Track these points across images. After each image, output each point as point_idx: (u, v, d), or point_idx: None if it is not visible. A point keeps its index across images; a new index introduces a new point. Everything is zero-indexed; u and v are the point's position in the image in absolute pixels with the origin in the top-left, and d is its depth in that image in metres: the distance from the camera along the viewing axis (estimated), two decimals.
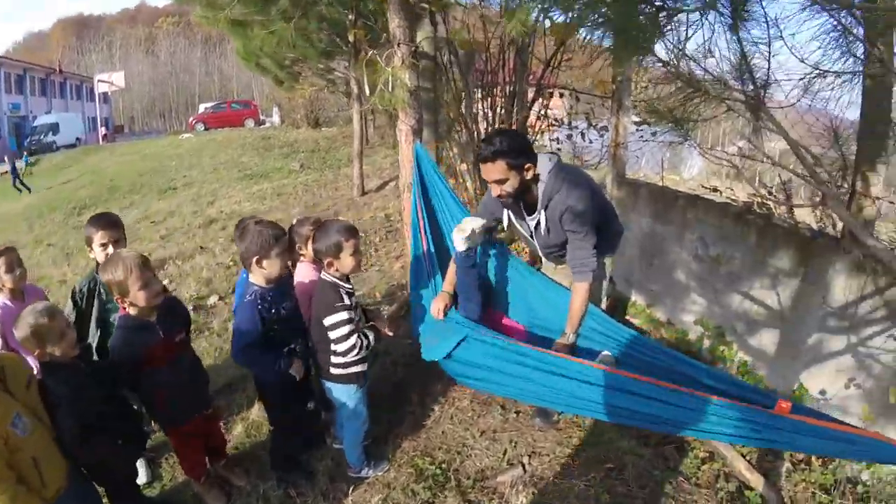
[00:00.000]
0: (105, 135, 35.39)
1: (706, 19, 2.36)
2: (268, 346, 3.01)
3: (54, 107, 45.74)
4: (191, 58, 79.83)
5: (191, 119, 36.49)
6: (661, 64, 2.55)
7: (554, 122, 7.33)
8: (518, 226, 3.40)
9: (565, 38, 5.76)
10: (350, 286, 3.16)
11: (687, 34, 2.45)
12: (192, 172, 16.47)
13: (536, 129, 6.73)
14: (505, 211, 3.37)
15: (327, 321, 3.04)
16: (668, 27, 2.46)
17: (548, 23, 5.11)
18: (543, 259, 3.60)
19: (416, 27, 5.47)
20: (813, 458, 3.48)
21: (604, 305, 3.63)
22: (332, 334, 3.04)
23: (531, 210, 3.22)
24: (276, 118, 30.73)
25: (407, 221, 5.30)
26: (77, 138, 37.39)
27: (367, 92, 5.05)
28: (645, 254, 5.39)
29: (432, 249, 3.84)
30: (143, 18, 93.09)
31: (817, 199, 3.77)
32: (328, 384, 3.26)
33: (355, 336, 3.06)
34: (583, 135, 7.32)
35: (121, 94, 59.59)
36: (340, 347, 3.06)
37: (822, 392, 3.68)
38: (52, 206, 15.46)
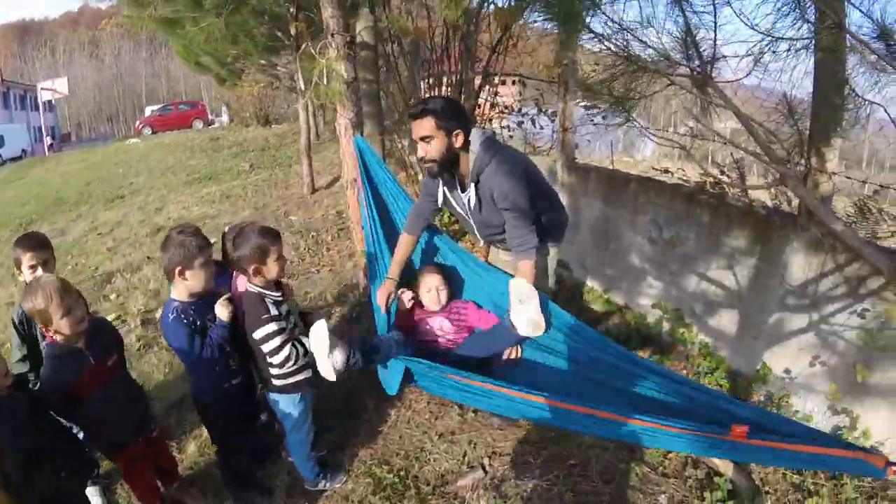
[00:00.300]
0: (51, 144, 34.25)
1: None
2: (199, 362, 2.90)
3: None
4: (136, 60, 77.80)
5: (137, 123, 35.62)
6: (596, 40, 2.41)
7: (504, 110, 7.22)
8: (454, 202, 3.26)
9: (509, 23, 5.63)
10: (278, 294, 2.99)
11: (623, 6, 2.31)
12: (140, 179, 15.97)
13: (485, 116, 6.60)
14: (440, 187, 3.24)
15: (256, 335, 2.89)
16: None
17: (492, 7, 5.03)
18: (485, 244, 3.58)
19: (355, 17, 5.29)
20: None
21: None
22: (264, 347, 2.90)
23: (464, 185, 3.12)
24: (224, 118, 30.18)
25: (353, 218, 5.14)
26: (23, 150, 36.15)
27: (302, 86, 4.85)
28: (599, 239, 5.29)
29: (383, 246, 3.68)
30: (86, 21, 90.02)
31: (772, 178, 3.70)
32: (272, 396, 3.13)
33: (289, 346, 2.92)
34: (533, 121, 7.23)
35: (66, 101, 58.03)
36: (275, 360, 2.92)
37: (787, 371, 3.61)
38: None
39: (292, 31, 8.23)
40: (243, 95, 20.95)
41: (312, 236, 8.09)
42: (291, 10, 7.99)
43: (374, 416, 3.90)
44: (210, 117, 34.84)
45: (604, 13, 2.35)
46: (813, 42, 2.29)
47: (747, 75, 2.33)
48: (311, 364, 3.07)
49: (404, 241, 3.47)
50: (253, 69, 12.86)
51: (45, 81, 38.38)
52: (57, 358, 2.68)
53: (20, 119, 45.76)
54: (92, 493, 3.28)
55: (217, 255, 3.59)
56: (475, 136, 2.97)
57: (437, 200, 3.30)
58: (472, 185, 3.03)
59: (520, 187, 2.90)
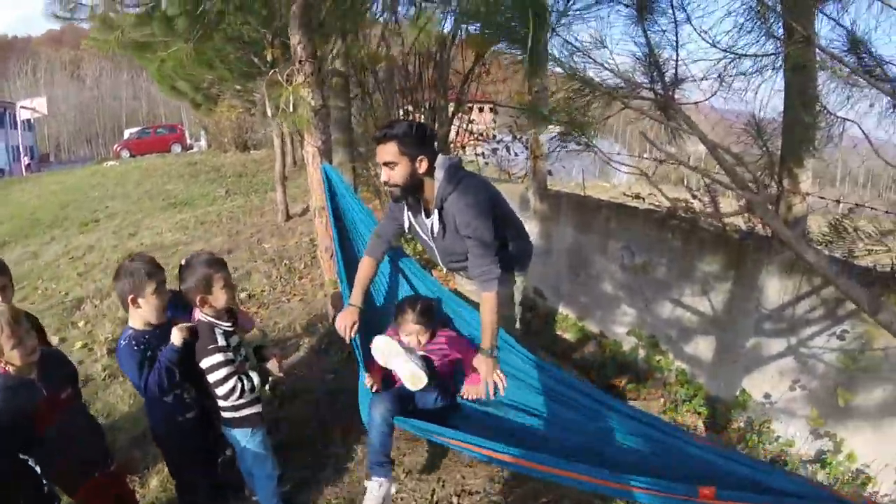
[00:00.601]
0: (28, 165, 33.84)
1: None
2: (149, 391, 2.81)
3: None
4: (117, 82, 77.26)
5: (115, 146, 35.28)
6: (552, 63, 2.34)
7: (479, 137, 7.19)
8: (418, 228, 3.18)
9: (481, 51, 5.61)
10: (229, 325, 2.93)
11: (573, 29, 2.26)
12: (116, 203, 15.73)
13: (458, 143, 6.56)
14: (405, 213, 3.17)
15: (203, 364, 2.82)
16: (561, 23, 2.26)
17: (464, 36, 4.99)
18: (446, 270, 3.46)
19: (326, 44, 5.24)
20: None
21: (518, 329, 3.49)
22: (210, 378, 2.82)
23: (429, 211, 3.06)
24: (203, 142, 30.00)
25: (322, 247, 5.06)
26: (1, 169, 35.84)
27: (269, 113, 4.78)
28: (572, 266, 5.24)
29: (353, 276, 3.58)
30: (69, 41, 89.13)
31: (741, 205, 3.65)
32: (225, 428, 3.06)
33: (234, 379, 2.83)
34: (508, 148, 7.20)
35: (46, 121, 57.52)
36: (219, 391, 2.84)
37: (767, 396, 3.57)
38: None
39: (268, 57, 8.17)
40: (222, 120, 20.80)
41: (285, 264, 7.96)
42: (268, 36, 7.93)
43: (341, 452, 3.79)
44: (189, 142, 34.58)
45: (558, 34, 2.28)
46: (780, 58, 2.22)
47: (712, 96, 2.26)
48: (260, 399, 3.06)
49: (365, 265, 3.35)
50: (228, 94, 12.77)
51: (24, 100, 38.02)
52: (8, 389, 2.52)
53: None
54: None
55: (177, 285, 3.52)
56: (440, 163, 2.91)
57: (401, 224, 3.23)
58: (436, 211, 2.97)
59: (483, 216, 2.84)
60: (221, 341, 2.85)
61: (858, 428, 3.12)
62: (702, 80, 2.19)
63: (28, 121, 39.86)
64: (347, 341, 3.25)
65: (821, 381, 3.27)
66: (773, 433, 3.53)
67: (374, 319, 3.48)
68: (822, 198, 3.40)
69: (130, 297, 2.74)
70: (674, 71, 2.18)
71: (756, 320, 3.56)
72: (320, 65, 4.44)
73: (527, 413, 2.99)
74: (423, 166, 2.85)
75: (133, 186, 18.00)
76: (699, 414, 3.80)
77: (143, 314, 2.78)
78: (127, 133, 38.51)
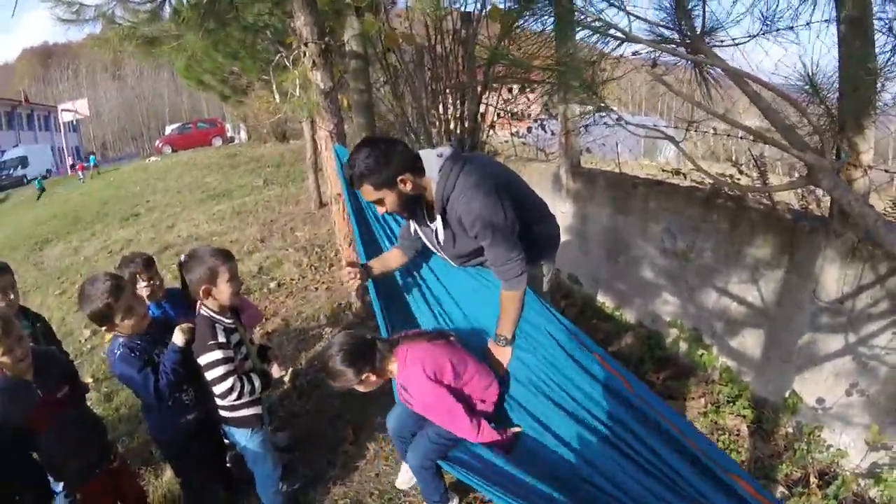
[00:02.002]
0: (72, 164, 34.56)
1: None
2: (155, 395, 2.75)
3: (22, 139, 45.02)
4: (158, 80, 78.93)
5: (157, 142, 35.78)
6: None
7: (513, 116, 6.85)
8: (423, 236, 2.89)
9: (506, 24, 5.27)
10: (230, 321, 2.84)
11: None
12: (156, 197, 16.07)
13: (488, 123, 6.22)
14: (411, 224, 2.90)
15: (201, 360, 2.74)
16: None
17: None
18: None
19: (341, 24, 4.98)
20: (811, 479, 2.99)
21: None
22: (207, 375, 2.74)
23: (433, 216, 2.73)
24: (243, 134, 30.24)
25: (340, 236, 4.82)
26: (47, 170, 36.75)
27: (277, 98, 4.55)
28: (609, 250, 4.86)
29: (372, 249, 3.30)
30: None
31: (797, 175, 3.19)
32: (225, 427, 3.04)
33: (233, 378, 2.75)
34: (543, 126, 6.85)
35: (90, 122, 58.99)
36: (217, 389, 2.76)
37: (820, 400, 3.18)
38: (13, 244, 14.99)
39: (292, 45, 7.97)
40: (260, 112, 20.89)
41: (316, 253, 7.91)
42: (292, 25, 7.72)
43: (353, 449, 3.69)
44: (229, 134, 34.90)
45: None
46: None
47: (753, 37, 1.87)
48: (261, 401, 3.01)
49: (393, 252, 3.12)
50: (257, 85, 12.69)
51: (65, 103, 38.84)
52: (4, 391, 2.54)
53: (44, 140, 46.68)
54: None
55: (177, 284, 3.37)
56: (431, 165, 2.59)
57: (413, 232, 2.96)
58: (438, 217, 2.66)
59: (492, 207, 2.49)
60: (221, 338, 2.76)
61: None
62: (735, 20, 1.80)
63: (71, 122, 40.77)
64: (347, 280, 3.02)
65: (882, 386, 2.86)
66: (823, 442, 3.17)
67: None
68: (887, 171, 2.97)
69: (104, 324, 2.71)
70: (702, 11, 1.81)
71: (811, 314, 3.15)
72: (328, 46, 4.14)
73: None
74: (408, 185, 2.55)
75: (173, 180, 18.36)
76: (743, 417, 3.44)
77: (125, 327, 2.72)
78: (168, 129, 39.06)
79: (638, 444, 2.29)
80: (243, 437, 2.98)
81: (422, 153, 2.63)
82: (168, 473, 3.58)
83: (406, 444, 2.90)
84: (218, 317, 2.79)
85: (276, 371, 3.11)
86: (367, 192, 2.57)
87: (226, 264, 2.77)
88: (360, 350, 2.53)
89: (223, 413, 2.91)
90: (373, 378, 2.55)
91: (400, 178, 2.50)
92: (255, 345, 3.22)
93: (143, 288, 3.22)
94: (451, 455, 2.68)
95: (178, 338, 2.75)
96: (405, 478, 3.32)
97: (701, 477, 2.08)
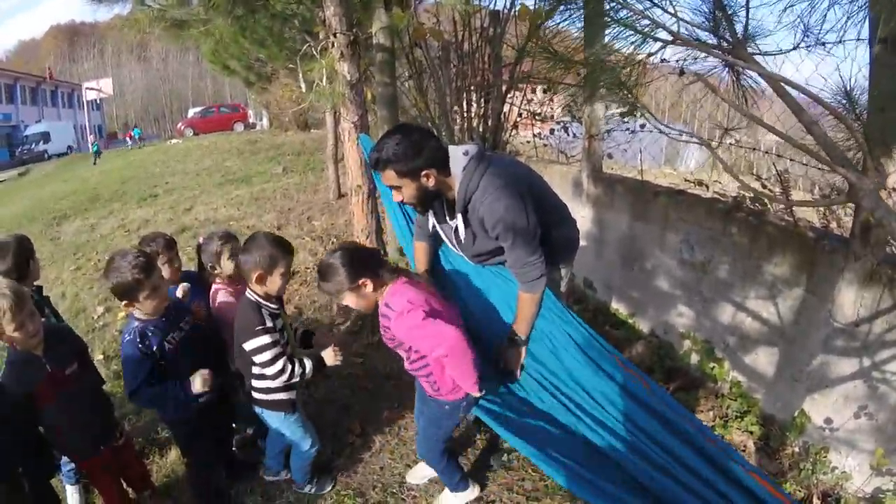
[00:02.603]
0: (94, 143, 34.83)
1: None
2: (162, 382, 2.75)
3: (45, 115, 45.44)
4: (183, 63, 79.50)
5: (179, 124, 35.98)
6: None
7: (535, 117, 6.82)
8: (441, 232, 2.89)
9: (534, 23, 5.25)
10: (276, 307, 2.84)
11: None
12: (175, 178, 16.10)
13: (511, 123, 6.20)
14: (430, 218, 2.87)
15: (248, 346, 2.75)
16: None
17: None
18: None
19: (369, 17, 4.99)
20: (814, 499, 2.99)
21: None
22: (256, 359, 2.77)
23: (453, 213, 2.72)
24: (265, 121, 30.33)
25: (358, 228, 4.84)
26: (69, 146, 37.09)
27: (303, 87, 4.56)
28: (625, 258, 4.85)
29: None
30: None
31: (825, 193, 3.14)
32: (257, 409, 3.04)
33: (283, 360, 2.78)
34: (566, 129, 6.82)
35: (113, 101, 59.37)
36: (269, 371, 2.80)
37: (828, 421, 3.15)
38: (31, 216, 15.11)
39: (320, 35, 7.99)
40: (283, 99, 20.95)
41: (332, 242, 7.94)
42: (320, 14, 7.73)
43: (359, 441, 3.69)
44: (251, 120, 35.01)
45: None
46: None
47: (796, 47, 1.83)
48: (296, 387, 3.01)
49: (418, 250, 3.13)
50: (283, 73, 12.72)
51: (90, 81, 39.13)
52: (15, 364, 2.61)
53: (67, 117, 47.07)
54: (72, 492, 3.35)
55: (192, 267, 3.52)
56: (456, 162, 2.56)
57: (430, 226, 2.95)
58: (460, 215, 2.65)
59: (515, 209, 2.47)
60: (269, 322, 2.77)
61: None
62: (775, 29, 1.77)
63: (95, 101, 41.04)
64: None
65: (891, 412, 2.83)
66: (829, 463, 3.14)
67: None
68: None
69: (125, 301, 2.67)
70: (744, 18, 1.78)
71: (826, 335, 3.12)
72: (356, 37, 4.15)
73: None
74: (430, 180, 2.53)
75: (193, 163, 18.41)
76: (751, 433, 3.42)
77: (142, 308, 2.69)
78: (191, 112, 39.28)
79: (656, 445, 2.28)
80: (275, 420, 3.02)
81: (450, 149, 2.60)
82: (173, 454, 3.63)
83: None
84: (264, 301, 2.79)
85: (329, 357, 2.99)
86: (388, 178, 2.54)
87: (286, 258, 2.76)
88: (363, 257, 2.52)
89: (257, 395, 2.95)
90: (368, 290, 2.47)
91: (424, 172, 2.49)
92: (298, 330, 3.24)
93: (161, 268, 3.21)
94: (481, 403, 2.67)
95: (197, 385, 2.75)
96: (416, 473, 3.35)
97: (721, 475, 2.08)
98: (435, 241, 3.09)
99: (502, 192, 2.47)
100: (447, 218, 2.77)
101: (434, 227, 2.87)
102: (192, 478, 3.26)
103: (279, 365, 2.77)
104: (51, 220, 13.55)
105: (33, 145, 35.63)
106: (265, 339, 2.72)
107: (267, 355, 2.74)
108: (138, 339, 2.66)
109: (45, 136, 36.20)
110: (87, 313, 6.29)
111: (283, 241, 2.82)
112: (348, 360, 4.51)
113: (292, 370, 2.81)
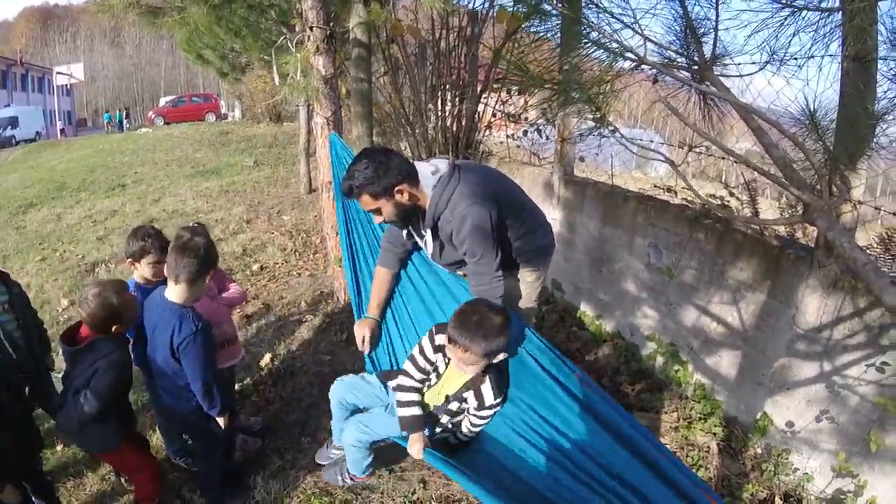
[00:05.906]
0: (62, 129, 34.22)
1: None
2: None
3: (15, 100, 44.37)
4: (157, 50, 78.19)
5: (149, 113, 35.49)
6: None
7: (510, 118, 6.84)
8: (418, 240, 2.94)
9: (512, 27, 5.27)
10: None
11: None
12: (144, 169, 15.85)
13: (485, 124, 6.22)
14: (403, 231, 2.94)
15: None
16: None
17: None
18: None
19: (347, 11, 4.95)
20: (777, 500, 3.04)
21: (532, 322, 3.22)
22: None
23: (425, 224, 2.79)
24: (237, 112, 30.08)
25: (329, 224, 4.81)
26: (37, 132, 36.29)
27: (276, 81, 4.53)
28: (594, 260, 4.89)
29: (359, 256, 3.36)
30: None
31: (789, 209, 3.20)
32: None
33: None
34: (539, 131, 6.85)
35: (84, 87, 58.36)
36: None
37: (789, 424, 3.21)
38: None
39: (296, 27, 7.92)
40: (256, 91, 20.76)
41: (302, 238, 7.89)
42: (297, 6, 7.67)
43: (327, 437, 3.57)
44: (223, 111, 34.66)
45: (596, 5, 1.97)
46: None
47: (761, 69, 1.89)
48: None
49: (380, 276, 3.14)
50: (257, 65, 12.60)
51: (61, 66, 38.41)
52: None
53: (37, 102, 46.07)
54: None
55: None
56: (426, 179, 2.65)
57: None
58: (429, 230, 2.73)
59: (482, 228, 2.56)
60: None
61: (885, 472, 2.77)
62: (744, 49, 1.82)
63: (66, 86, 40.30)
64: (363, 350, 3.16)
65: (851, 415, 2.89)
66: (791, 465, 3.20)
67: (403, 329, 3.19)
68: (877, 208, 2.99)
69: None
70: (713, 39, 1.82)
71: (788, 339, 3.19)
72: (333, 31, 4.13)
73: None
74: (405, 196, 2.61)
75: (163, 153, 18.19)
76: (714, 434, 3.47)
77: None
78: (162, 101, 38.75)
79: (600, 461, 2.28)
80: None
81: (417, 165, 2.68)
82: (155, 440, 3.57)
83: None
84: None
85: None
86: (366, 202, 2.62)
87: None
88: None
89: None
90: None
91: (397, 188, 2.56)
92: None
93: (148, 265, 3.11)
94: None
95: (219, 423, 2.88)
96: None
97: (668, 488, 2.07)
98: (408, 253, 3.12)
99: (470, 211, 2.54)
100: (422, 229, 2.82)
101: (411, 234, 2.92)
102: (201, 471, 3.24)
103: None
104: (17, 208, 13.27)
105: (1, 130, 34.84)
106: None
107: None
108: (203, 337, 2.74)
109: (14, 122, 35.30)
110: (52, 305, 6.15)
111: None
112: (318, 359, 4.51)
113: None
